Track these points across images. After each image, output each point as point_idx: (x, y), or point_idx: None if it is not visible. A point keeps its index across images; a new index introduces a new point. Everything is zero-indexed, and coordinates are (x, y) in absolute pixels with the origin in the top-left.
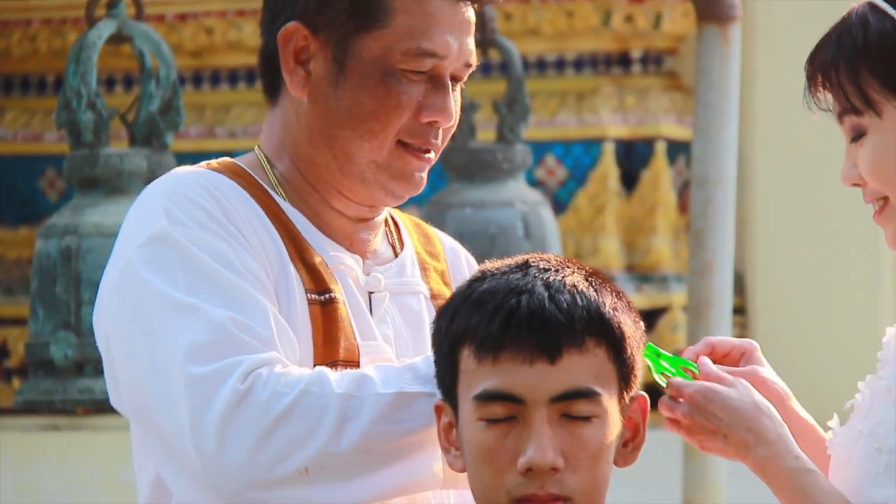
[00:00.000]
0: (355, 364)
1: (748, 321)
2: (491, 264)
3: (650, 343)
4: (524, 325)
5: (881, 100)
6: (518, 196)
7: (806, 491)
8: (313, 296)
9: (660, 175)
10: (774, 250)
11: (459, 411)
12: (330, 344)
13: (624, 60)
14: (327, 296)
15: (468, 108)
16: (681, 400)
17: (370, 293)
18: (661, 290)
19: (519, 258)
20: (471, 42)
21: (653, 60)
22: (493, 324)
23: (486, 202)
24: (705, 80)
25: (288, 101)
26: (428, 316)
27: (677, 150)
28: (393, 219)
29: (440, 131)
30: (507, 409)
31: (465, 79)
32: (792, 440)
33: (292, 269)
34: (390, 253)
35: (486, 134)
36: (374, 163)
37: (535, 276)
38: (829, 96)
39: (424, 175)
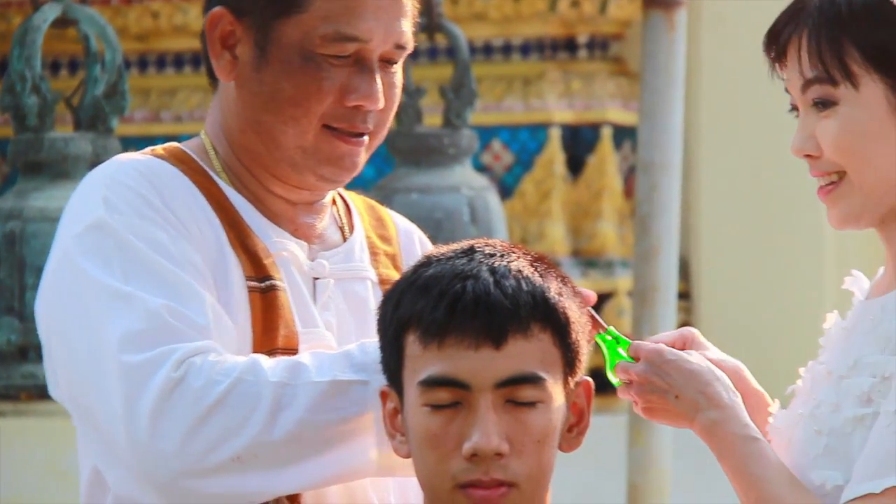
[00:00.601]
0: (294, 352)
1: (693, 306)
2: (436, 249)
3: (612, 329)
4: (469, 311)
5: (861, 72)
6: (464, 181)
7: (751, 458)
8: (253, 283)
9: (605, 160)
10: (719, 236)
11: (404, 397)
12: (269, 332)
13: (570, 46)
14: (268, 283)
15: (414, 93)
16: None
17: (315, 279)
18: (607, 275)
19: (464, 243)
20: (403, 23)
21: (599, 46)
22: (439, 309)
23: (432, 187)
24: (651, 65)
25: (224, 86)
26: (374, 302)
27: (623, 135)
28: (345, 201)
29: (371, 114)
30: (452, 394)
31: (401, 60)
32: (743, 408)
33: (232, 256)
34: (339, 237)
35: (432, 119)
36: (301, 148)
37: (480, 262)
38: (795, 63)
39: (359, 158)
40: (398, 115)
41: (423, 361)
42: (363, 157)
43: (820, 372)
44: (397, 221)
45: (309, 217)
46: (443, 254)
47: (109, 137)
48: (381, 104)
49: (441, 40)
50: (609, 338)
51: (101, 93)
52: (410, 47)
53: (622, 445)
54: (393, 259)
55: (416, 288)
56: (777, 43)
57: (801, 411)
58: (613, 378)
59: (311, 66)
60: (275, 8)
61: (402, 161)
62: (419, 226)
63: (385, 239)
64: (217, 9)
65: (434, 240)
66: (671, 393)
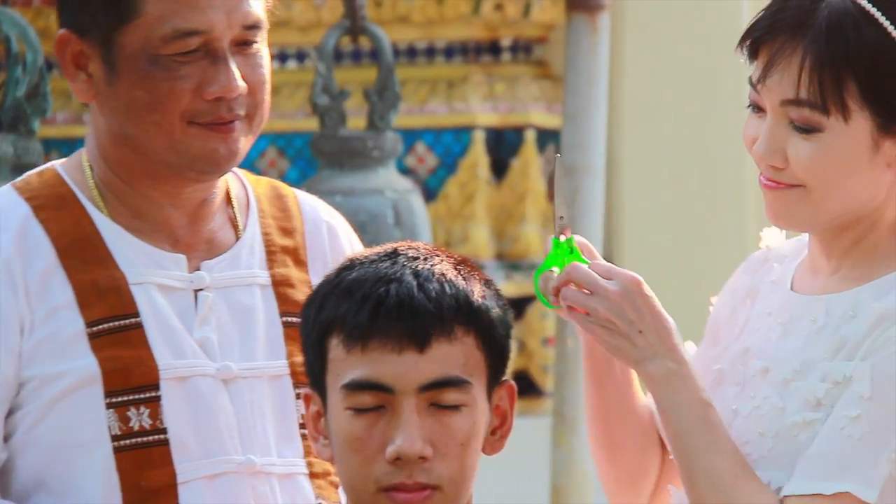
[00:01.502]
0: (154, 388)
1: None
2: (360, 252)
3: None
4: (393, 314)
5: (855, 107)
6: (388, 184)
7: (705, 425)
8: (101, 327)
9: (529, 163)
10: (643, 238)
11: (328, 400)
12: (122, 372)
13: (494, 49)
14: (119, 322)
15: (338, 96)
16: (609, 282)
17: (197, 291)
18: (531, 278)
19: (388, 246)
20: (248, 2)
21: (522, 49)
22: (362, 313)
23: (356, 190)
24: (574, 68)
25: (92, 105)
26: (263, 307)
27: (547, 138)
28: (247, 193)
29: (237, 101)
30: (375, 398)
31: (260, 37)
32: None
33: (69, 311)
34: (231, 237)
35: (356, 121)
36: (173, 150)
37: (403, 265)
38: (787, 78)
39: (236, 145)
40: (322, 117)
41: (346, 365)
42: (243, 142)
43: (754, 367)
44: (305, 209)
45: (195, 223)
46: (366, 257)
47: (31, 139)
48: (241, 90)
49: (365, 43)
50: (567, 250)
51: (23, 94)
52: (264, 24)
53: (545, 448)
54: (294, 253)
55: (339, 291)
56: (761, 47)
57: (735, 407)
58: (545, 284)
59: (158, 68)
60: (111, 20)
61: (326, 163)
62: None
63: (287, 231)
64: (62, 32)
65: None
66: (636, 327)
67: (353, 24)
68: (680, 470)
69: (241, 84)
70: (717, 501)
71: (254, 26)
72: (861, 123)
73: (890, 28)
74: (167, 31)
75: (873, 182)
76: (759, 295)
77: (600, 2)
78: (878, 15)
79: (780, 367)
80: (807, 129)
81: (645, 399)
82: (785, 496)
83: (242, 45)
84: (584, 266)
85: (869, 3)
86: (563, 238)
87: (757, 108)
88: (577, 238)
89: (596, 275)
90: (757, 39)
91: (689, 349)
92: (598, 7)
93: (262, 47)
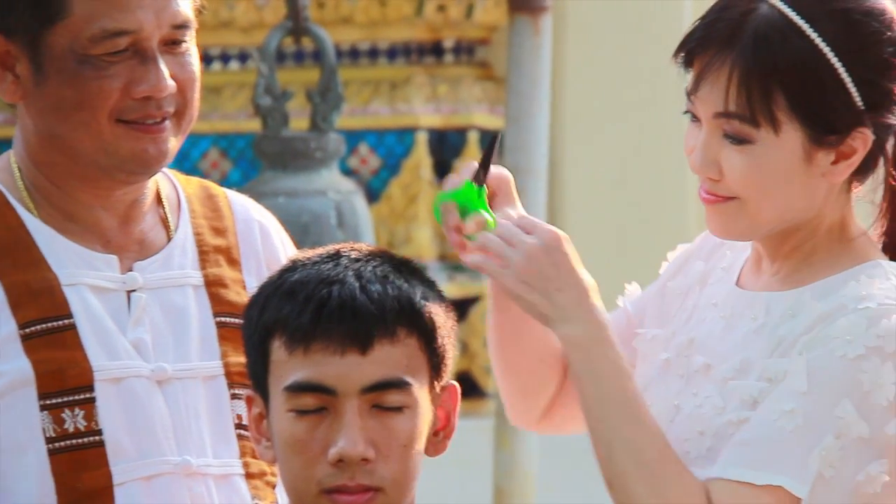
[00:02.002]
0: (89, 389)
1: None
2: (302, 254)
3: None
4: (335, 316)
5: (784, 119)
6: (331, 185)
7: (629, 393)
8: (33, 328)
9: None
10: (585, 239)
11: (270, 402)
12: (56, 374)
13: (436, 50)
14: (53, 324)
15: (280, 97)
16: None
17: (129, 292)
18: (474, 280)
19: (330, 248)
20: (176, 2)
21: (465, 50)
22: (304, 314)
23: (298, 191)
24: (517, 70)
25: (20, 106)
26: (196, 308)
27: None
28: (178, 194)
29: (165, 100)
30: (317, 400)
31: (189, 36)
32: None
33: (2, 313)
34: (163, 237)
35: (298, 122)
36: (102, 150)
37: (346, 266)
38: (717, 90)
39: (165, 145)
40: (265, 118)
41: (288, 367)
42: (172, 142)
43: (696, 363)
44: (236, 209)
45: (126, 224)
46: (308, 258)
47: None
48: (171, 89)
49: (307, 44)
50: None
51: None
52: (193, 23)
53: (488, 449)
54: (227, 253)
55: (281, 293)
56: (693, 58)
57: (677, 402)
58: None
59: (87, 68)
60: (38, 20)
61: (269, 165)
62: (286, 230)
63: (218, 231)
64: None
65: (300, 244)
66: (553, 284)
67: (296, 25)
68: (595, 440)
69: (171, 83)
70: (639, 477)
71: (182, 25)
72: (792, 135)
73: (818, 40)
74: (95, 31)
75: (808, 192)
76: (709, 281)
77: (543, 3)
78: (806, 27)
79: (721, 365)
80: (739, 141)
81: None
82: (711, 478)
83: (171, 44)
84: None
85: (797, 15)
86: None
87: (695, 118)
88: (501, 173)
89: (516, 227)
90: (690, 51)
91: (633, 291)
92: (541, 9)
93: (191, 46)
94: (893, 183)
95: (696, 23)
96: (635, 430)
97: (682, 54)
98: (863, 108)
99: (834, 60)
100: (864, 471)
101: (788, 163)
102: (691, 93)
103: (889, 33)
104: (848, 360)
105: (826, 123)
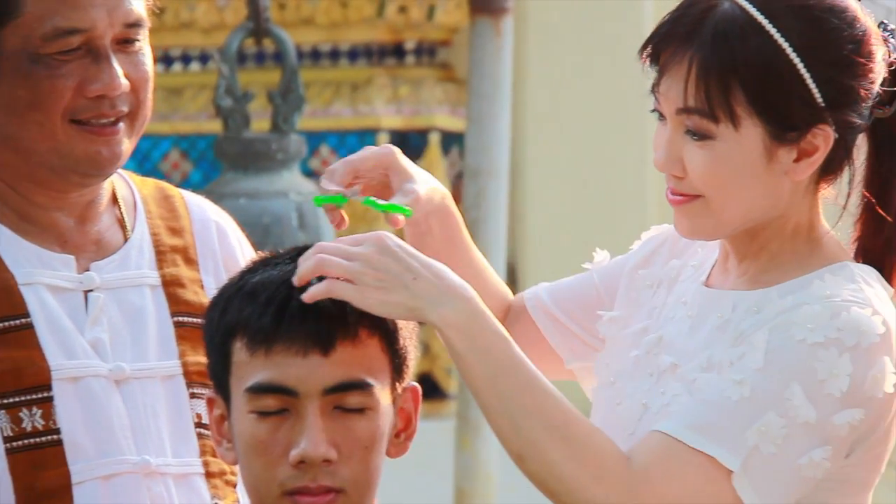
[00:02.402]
0: (47, 388)
1: None
2: (264, 255)
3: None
4: (297, 317)
5: (744, 115)
6: (292, 186)
7: (520, 359)
8: None
9: (433, 166)
10: (546, 241)
11: (231, 404)
12: (14, 373)
13: (398, 51)
14: (10, 323)
15: (242, 98)
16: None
17: (87, 292)
18: None
19: (292, 249)
20: (129, 1)
21: (426, 52)
22: (266, 316)
23: (260, 192)
24: (478, 71)
25: None
26: (154, 308)
27: (451, 141)
28: (133, 194)
29: (119, 98)
30: (279, 401)
31: (142, 35)
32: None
33: None
34: (120, 238)
35: (260, 124)
36: (55, 151)
37: None
38: (677, 85)
39: (119, 147)
40: (226, 119)
41: (250, 368)
42: (126, 144)
43: (662, 363)
44: (192, 209)
45: (82, 224)
46: (270, 259)
47: None
48: (124, 88)
49: (269, 45)
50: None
51: None
52: (146, 22)
53: (449, 451)
54: (184, 252)
55: (242, 294)
56: (659, 54)
57: (645, 401)
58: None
59: (40, 67)
60: None
61: (230, 166)
62: (247, 231)
63: (175, 231)
64: None
65: (262, 245)
66: (407, 275)
67: (257, 26)
68: (495, 417)
69: (124, 82)
70: (552, 441)
71: (135, 24)
72: (752, 131)
73: (777, 36)
74: (48, 29)
75: (772, 190)
76: (680, 278)
77: (504, 5)
78: (766, 23)
79: (688, 364)
80: (700, 137)
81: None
82: (655, 430)
83: (124, 43)
84: (329, 242)
85: (758, 11)
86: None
87: (661, 116)
88: (380, 154)
89: (344, 245)
90: (655, 47)
91: (602, 259)
92: (502, 10)
93: (145, 46)
94: (867, 195)
95: (663, 19)
96: (536, 395)
97: (648, 51)
98: (823, 105)
99: (793, 56)
100: (807, 455)
101: (749, 159)
102: (655, 89)
103: (850, 30)
104: (806, 345)
105: (785, 119)
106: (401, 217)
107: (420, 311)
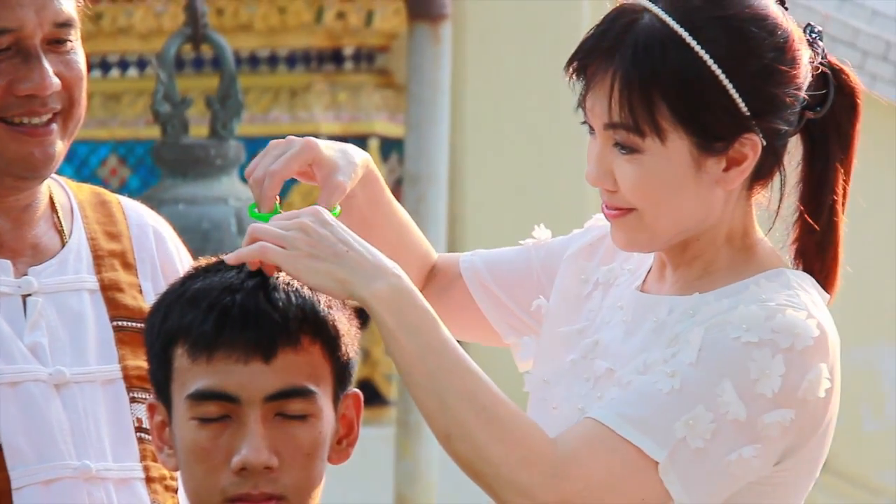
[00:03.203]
0: None
1: None
2: (205, 261)
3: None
4: (238, 324)
5: (669, 128)
6: (231, 192)
7: (449, 341)
8: None
9: None
10: (485, 246)
11: (173, 410)
12: None
13: (336, 57)
14: None
15: (180, 104)
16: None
17: (25, 296)
18: None
19: None
20: (58, 1)
21: (365, 58)
22: (207, 322)
23: (198, 198)
24: (417, 77)
25: None
26: (92, 312)
27: (390, 147)
28: (70, 200)
29: (51, 97)
30: (220, 408)
31: (73, 35)
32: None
33: None
34: (57, 243)
35: (198, 130)
36: None
37: (249, 274)
38: (601, 100)
39: (52, 148)
40: (164, 125)
41: (191, 375)
42: (59, 145)
43: (601, 367)
44: (130, 214)
45: (18, 230)
46: (211, 266)
47: None
48: (55, 87)
49: (207, 51)
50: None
51: None
52: (76, 22)
53: (390, 457)
54: (122, 257)
55: (184, 300)
56: (583, 70)
57: (580, 406)
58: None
59: None
60: None
61: (169, 172)
62: (186, 237)
63: (112, 236)
64: None
65: (201, 251)
66: (340, 246)
67: (195, 31)
68: (422, 395)
69: (55, 81)
70: (479, 422)
71: (65, 24)
72: (678, 144)
73: (698, 49)
74: None
75: (703, 201)
76: (615, 282)
77: (442, 11)
78: (686, 36)
79: (624, 368)
80: (629, 151)
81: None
82: (587, 416)
83: (56, 43)
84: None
85: (678, 24)
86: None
87: (592, 129)
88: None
89: (281, 219)
90: (580, 62)
91: (543, 237)
92: (441, 16)
93: (77, 46)
94: (798, 203)
95: (587, 34)
96: (464, 375)
97: (574, 66)
98: (748, 114)
99: (715, 68)
100: (736, 452)
101: (678, 171)
102: (582, 103)
103: (771, 38)
104: (740, 343)
105: (711, 130)
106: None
107: (350, 285)
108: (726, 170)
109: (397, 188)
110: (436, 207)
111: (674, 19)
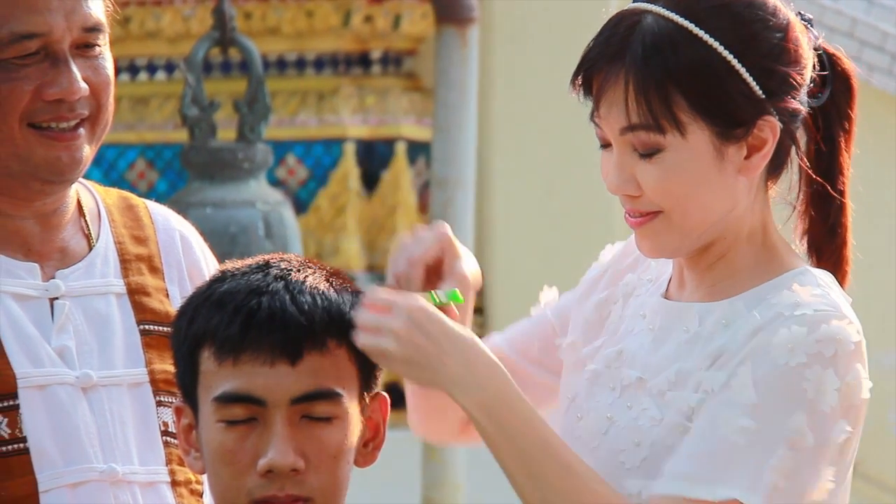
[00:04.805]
0: (13, 397)
1: (487, 321)
2: (231, 264)
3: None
4: (265, 327)
5: (688, 120)
6: (259, 195)
7: (551, 444)
8: None
9: (400, 175)
10: (513, 251)
11: (199, 413)
12: None
13: (364, 61)
14: None
15: (208, 107)
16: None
17: (52, 300)
18: None
19: (259, 258)
20: (87, 5)
21: (392, 61)
22: (234, 325)
23: (226, 202)
24: (444, 81)
25: None
26: (119, 316)
27: (417, 150)
28: (97, 203)
29: (79, 102)
30: (247, 410)
31: (102, 40)
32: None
33: None
34: (84, 247)
35: (226, 133)
36: (15, 156)
37: (275, 277)
38: (617, 107)
39: (80, 153)
40: (192, 128)
41: (218, 377)
42: (86, 150)
43: (629, 377)
44: (157, 219)
45: (47, 232)
46: (238, 269)
47: None
48: (83, 92)
49: (235, 54)
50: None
51: None
52: (105, 27)
53: (417, 460)
54: (149, 261)
55: (210, 303)
56: (592, 80)
57: (609, 415)
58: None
59: None
60: None
61: (196, 175)
62: (213, 240)
63: (140, 240)
64: None
65: (228, 255)
66: (437, 357)
67: (223, 35)
68: (526, 495)
69: (83, 86)
70: None
71: (94, 28)
72: (699, 135)
73: (707, 38)
74: (4, 34)
75: (728, 191)
76: (635, 292)
77: (470, 14)
78: (693, 27)
79: (656, 378)
80: (649, 153)
81: None
82: (654, 495)
83: (84, 47)
84: (363, 311)
85: (682, 17)
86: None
87: (605, 144)
88: (438, 235)
89: (376, 315)
90: (586, 74)
91: (551, 297)
92: (468, 20)
93: (105, 50)
94: (807, 170)
95: (588, 46)
96: (565, 477)
97: (580, 79)
98: (763, 96)
99: (726, 54)
100: (815, 479)
101: (701, 163)
102: (594, 115)
103: (775, 19)
104: (790, 368)
105: (730, 117)
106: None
107: (450, 392)
108: (748, 157)
109: (424, 192)
110: (463, 211)
111: (677, 14)
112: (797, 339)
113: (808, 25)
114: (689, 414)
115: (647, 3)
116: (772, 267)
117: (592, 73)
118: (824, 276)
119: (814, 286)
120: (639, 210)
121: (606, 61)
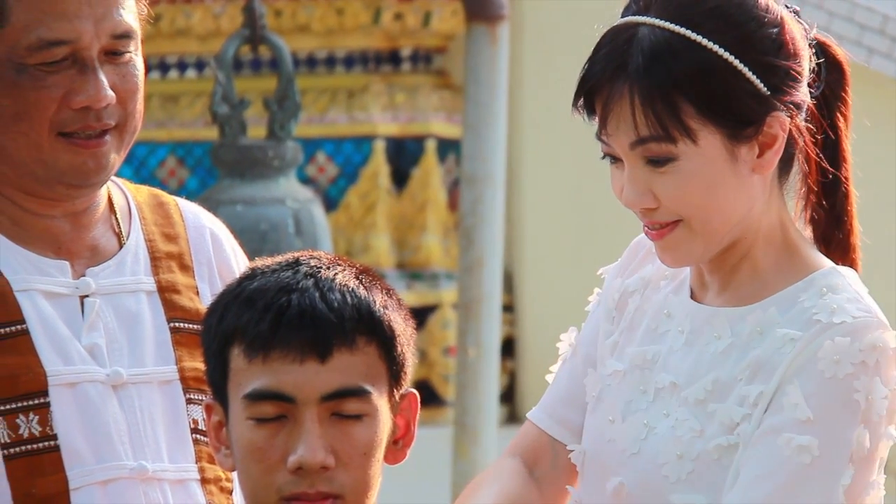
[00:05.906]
0: (43, 395)
1: (517, 318)
2: (261, 262)
3: None
4: (294, 324)
5: (698, 126)
6: (289, 193)
7: None
8: None
9: (430, 173)
10: (542, 248)
11: (229, 410)
12: (8, 380)
13: (394, 58)
14: (6, 329)
15: (238, 105)
16: None
17: (83, 297)
18: (432, 288)
19: (289, 256)
20: (116, 12)
21: (422, 58)
22: (263, 322)
23: (256, 199)
24: (474, 78)
25: None
26: (150, 314)
27: (447, 147)
28: (128, 201)
29: (106, 110)
30: (277, 408)
31: (132, 47)
32: None
33: None
34: (115, 245)
35: (256, 131)
36: (41, 161)
37: (305, 275)
38: (624, 122)
39: (106, 159)
40: (222, 126)
41: (247, 375)
42: (113, 156)
43: (663, 381)
44: (187, 217)
45: (77, 230)
46: (267, 266)
47: None
48: (110, 100)
49: (265, 52)
50: None
51: None
52: (136, 34)
53: (447, 458)
54: (179, 259)
55: (240, 301)
56: (594, 100)
57: (646, 421)
58: None
59: (25, 78)
60: None
61: (227, 173)
62: (244, 238)
63: (170, 237)
64: None
65: (258, 252)
66: None
67: (253, 33)
68: None
69: (110, 94)
70: None
71: (124, 36)
72: (710, 140)
73: (705, 42)
74: (33, 40)
75: (744, 191)
76: (651, 285)
77: (500, 12)
78: (690, 33)
79: (691, 386)
80: (663, 162)
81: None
82: None
83: (113, 54)
84: None
85: (677, 25)
86: None
87: (614, 160)
88: None
89: None
90: (587, 94)
91: (569, 337)
92: (498, 17)
93: (135, 57)
94: (818, 160)
95: (585, 66)
96: None
97: (581, 99)
98: (768, 92)
99: (727, 55)
100: (870, 487)
101: (716, 167)
102: (601, 133)
103: (768, 15)
104: (839, 380)
105: (739, 118)
106: None
107: None
108: (760, 155)
109: (454, 189)
110: (493, 208)
111: (672, 23)
112: (842, 350)
113: (796, 17)
114: (733, 427)
115: (638, 15)
116: (797, 266)
117: (594, 92)
118: (852, 276)
119: (846, 288)
120: (658, 221)
121: (608, 78)
